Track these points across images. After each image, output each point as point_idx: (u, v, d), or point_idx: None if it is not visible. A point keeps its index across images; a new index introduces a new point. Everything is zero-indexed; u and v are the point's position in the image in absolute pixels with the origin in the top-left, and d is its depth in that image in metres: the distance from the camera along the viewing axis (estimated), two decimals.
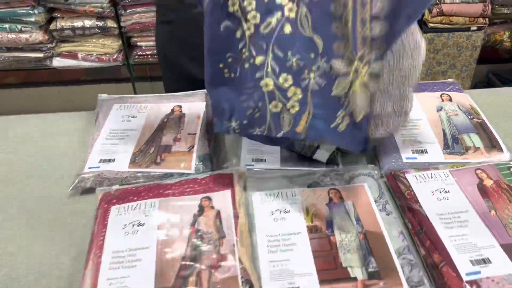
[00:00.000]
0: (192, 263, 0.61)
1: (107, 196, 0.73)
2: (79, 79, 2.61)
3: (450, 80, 1.07)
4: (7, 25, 1.98)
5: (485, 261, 0.62)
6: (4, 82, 2.65)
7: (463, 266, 0.61)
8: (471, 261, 0.62)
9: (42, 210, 0.75)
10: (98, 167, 0.79)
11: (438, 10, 2.07)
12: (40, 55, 2.07)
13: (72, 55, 2.10)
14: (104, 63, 2.13)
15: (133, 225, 0.67)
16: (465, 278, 0.60)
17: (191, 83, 0.97)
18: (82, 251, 0.66)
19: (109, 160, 0.80)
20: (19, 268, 0.65)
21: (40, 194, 0.78)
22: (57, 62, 2.11)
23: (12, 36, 2.00)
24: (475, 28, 2.14)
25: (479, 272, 0.61)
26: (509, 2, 2.09)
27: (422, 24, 2.14)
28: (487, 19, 2.13)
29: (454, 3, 2.07)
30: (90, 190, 0.77)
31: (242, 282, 0.58)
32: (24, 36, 2.00)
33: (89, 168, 0.79)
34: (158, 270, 0.60)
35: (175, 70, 1.09)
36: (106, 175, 0.78)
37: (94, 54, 2.10)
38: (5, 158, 0.86)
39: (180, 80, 1.08)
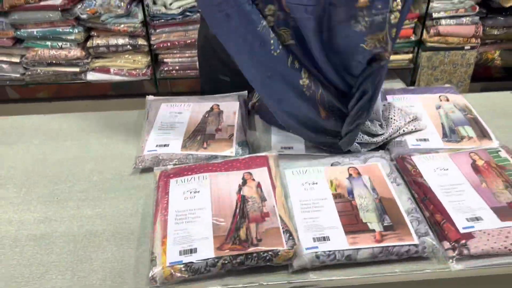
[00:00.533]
0: (241, 218, 0.73)
1: (164, 173, 0.86)
2: (105, 94, 2.76)
3: (448, 85, 1.20)
4: (49, 43, 2.13)
5: (477, 219, 0.74)
6: (36, 96, 2.81)
7: (460, 222, 0.73)
8: (467, 219, 0.74)
9: (110, 184, 0.87)
10: (156, 150, 0.92)
11: (435, 31, 2.22)
12: (77, 69, 2.21)
13: (105, 70, 2.25)
14: (134, 77, 2.27)
15: (190, 192, 0.79)
16: (461, 230, 0.72)
17: (226, 74, 1.08)
18: (147, 214, 0.79)
19: (164, 145, 0.93)
20: (97, 227, 0.78)
21: (108, 170, 0.90)
22: (91, 76, 2.26)
23: (53, 52, 2.15)
24: (469, 47, 2.28)
25: (473, 227, 0.73)
26: (498, 24, 2.24)
27: (421, 43, 2.29)
28: (479, 39, 2.27)
29: (449, 25, 2.22)
30: (148, 170, 0.90)
31: (283, 231, 0.71)
32: (63, 52, 2.15)
33: (148, 151, 0.92)
34: (214, 224, 0.72)
35: (212, 61, 1.18)
36: (162, 157, 0.90)
37: (125, 69, 2.25)
38: (76, 144, 0.98)
39: (216, 72, 1.17)
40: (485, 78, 2.70)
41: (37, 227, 0.77)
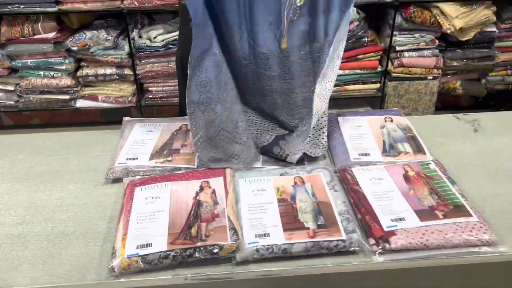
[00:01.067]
0: (194, 219, 0.82)
1: (132, 182, 0.94)
2: (95, 121, 2.85)
3: (395, 108, 1.31)
4: (41, 72, 2.24)
5: (401, 219, 0.83)
6: (30, 123, 2.89)
7: (385, 222, 0.82)
8: (391, 219, 0.83)
9: (84, 192, 0.95)
10: (125, 163, 1.01)
11: (398, 62, 2.35)
12: (67, 97, 2.31)
13: (93, 98, 2.35)
14: (121, 104, 2.37)
15: (152, 197, 0.88)
16: (385, 229, 0.81)
17: None
18: (113, 217, 0.87)
19: (133, 158, 1.02)
20: (68, 228, 0.85)
21: (83, 181, 0.99)
22: (80, 103, 2.36)
23: (45, 81, 2.25)
24: (431, 77, 2.42)
25: (396, 226, 0.82)
26: (457, 56, 2.38)
27: (386, 74, 2.42)
28: (440, 70, 2.41)
29: (412, 57, 2.36)
30: (118, 180, 0.98)
31: (229, 229, 0.79)
32: (55, 81, 2.26)
33: (119, 163, 1.01)
34: (170, 223, 0.81)
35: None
36: (131, 168, 0.99)
37: (112, 97, 2.35)
38: (56, 159, 1.07)
39: None
40: (454, 107, 2.84)
41: (15, 228, 0.85)
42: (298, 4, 0.89)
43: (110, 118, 2.77)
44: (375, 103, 2.54)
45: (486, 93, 2.57)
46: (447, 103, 2.82)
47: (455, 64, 2.41)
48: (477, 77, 2.55)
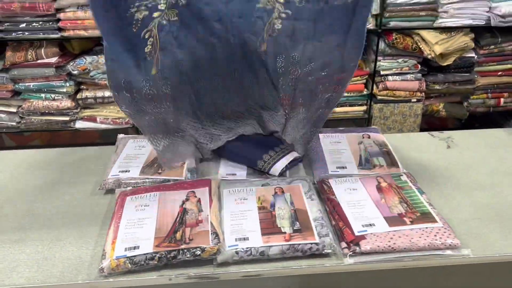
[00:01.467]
0: (180, 225, 0.87)
1: (123, 192, 0.99)
2: (94, 142, 2.91)
3: (374, 126, 1.37)
4: (43, 95, 2.31)
5: (371, 225, 0.88)
6: (30, 144, 2.94)
7: (356, 227, 0.87)
8: (362, 225, 0.88)
9: (78, 202, 1.00)
10: (118, 175, 1.06)
11: (383, 86, 2.43)
12: (67, 118, 2.38)
13: (92, 119, 2.41)
14: (118, 125, 2.43)
15: (142, 205, 0.93)
16: (356, 233, 0.86)
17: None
18: (105, 224, 0.92)
19: (126, 171, 1.07)
20: (62, 233, 0.90)
21: (78, 192, 1.04)
22: (79, 124, 2.42)
23: (46, 103, 2.32)
24: (415, 100, 2.49)
25: (366, 230, 0.87)
26: (438, 80, 2.46)
27: (372, 97, 2.50)
28: (423, 93, 2.49)
29: (396, 80, 2.44)
30: (111, 191, 1.03)
31: (211, 233, 0.84)
32: (55, 103, 2.33)
33: (112, 175, 1.06)
34: (157, 228, 0.86)
35: None
36: (123, 180, 1.04)
37: (110, 118, 2.41)
38: (53, 173, 1.12)
39: None
40: (440, 129, 2.91)
41: (13, 234, 0.90)
42: (276, 28, 0.96)
43: (107, 140, 2.82)
44: (362, 124, 2.60)
45: (469, 115, 2.65)
46: (433, 125, 2.89)
47: (437, 87, 2.49)
48: (459, 100, 2.62)
